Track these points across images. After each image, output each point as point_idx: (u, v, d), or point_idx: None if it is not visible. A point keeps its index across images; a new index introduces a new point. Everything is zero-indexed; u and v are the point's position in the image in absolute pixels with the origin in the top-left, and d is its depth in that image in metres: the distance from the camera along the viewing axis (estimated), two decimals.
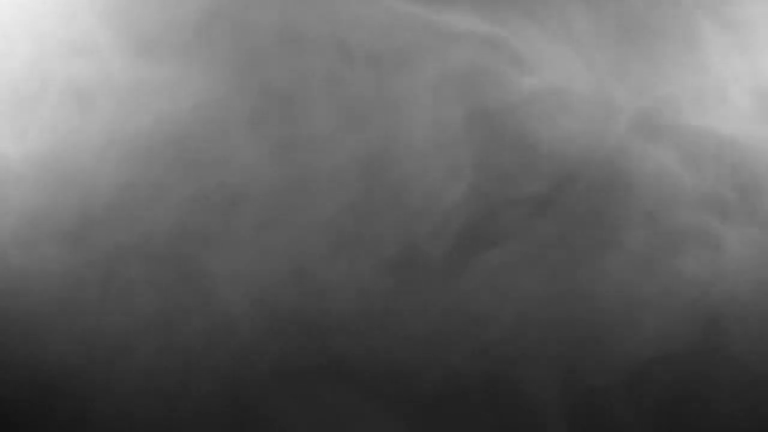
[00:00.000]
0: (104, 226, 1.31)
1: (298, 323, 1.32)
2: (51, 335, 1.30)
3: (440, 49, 1.36)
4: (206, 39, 1.35)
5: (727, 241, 1.34)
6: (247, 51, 1.35)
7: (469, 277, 1.33)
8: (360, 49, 1.35)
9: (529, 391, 1.32)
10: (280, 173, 1.34)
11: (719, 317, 1.32)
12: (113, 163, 1.32)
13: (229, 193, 1.33)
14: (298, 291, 1.32)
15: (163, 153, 1.33)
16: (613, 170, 1.35)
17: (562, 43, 1.36)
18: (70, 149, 1.32)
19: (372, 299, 1.32)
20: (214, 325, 1.31)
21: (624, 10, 1.37)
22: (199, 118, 1.34)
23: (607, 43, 1.37)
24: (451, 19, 1.36)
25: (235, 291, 1.31)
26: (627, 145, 1.35)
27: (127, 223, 1.32)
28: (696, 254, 1.33)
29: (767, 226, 1.34)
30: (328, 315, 1.32)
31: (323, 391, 1.31)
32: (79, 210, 1.31)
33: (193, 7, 1.35)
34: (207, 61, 1.35)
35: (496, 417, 1.32)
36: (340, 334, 1.31)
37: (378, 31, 1.36)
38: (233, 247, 1.32)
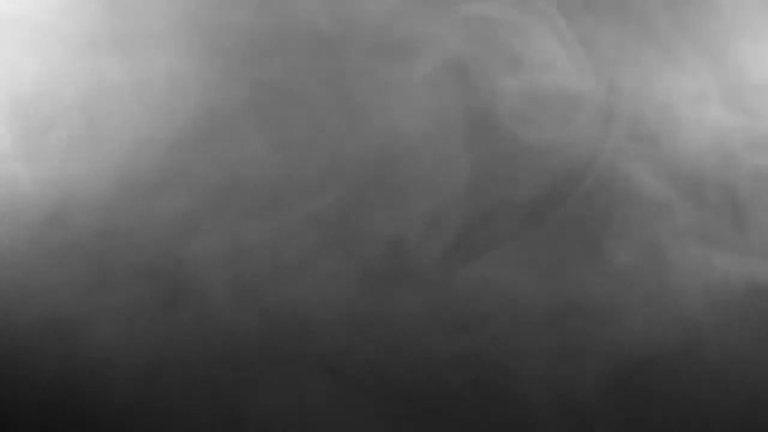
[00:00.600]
0: (103, 226, 1.31)
1: (284, 317, 1.32)
2: (47, 332, 1.30)
3: (435, 48, 1.36)
4: (204, 35, 1.35)
5: (714, 251, 1.35)
6: (245, 46, 1.35)
7: (459, 279, 1.33)
8: (355, 46, 1.35)
9: (520, 393, 1.32)
10: (275, 168, 1.33)
11: (700, 326, 1.33)
12: (114, 165, 1.32)
13: (225, 189, 1.33)
14: (285, 285, 1.32)
15: (165, 153, 1.33)
16: (607, 177, 1.35)
17: (560, 44, 1.37)
18: (75, 158, 1.31)
19: (359, 297, 1.32)
20: (198, 317, 1.31)
21: (623, 11, 1.38)
22: (198, 115, 1.34)
23: (606, 44, 1.37)
24: (446, 18, 1.36)
25: (221, 283, 1.31)
26: (623, 150, 1.36)
27: (127, 228, 1.31)
28: (684, 264, 1.34)
29: (752, 239, 1.35)
30: (315, 310, 1.32)
31: (308, 388, 1.31)
32: (80, 214, 1.31)
33: (192, 4, 1.35)
34: (205, 58, 1.35)
35: (485, 419, 1.32)
36: (327, 330, 1.31)
37: (374, 28, 1.36)
38: (223, 241, 1.32)
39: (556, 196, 1.34)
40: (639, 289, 1.33)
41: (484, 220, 1.34)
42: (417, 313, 1.32)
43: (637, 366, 1.32)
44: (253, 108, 1.34)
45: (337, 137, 1.34)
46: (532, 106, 1.35)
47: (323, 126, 1.35)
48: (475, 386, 1.32)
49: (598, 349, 1.33)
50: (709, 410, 1.33)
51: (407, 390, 1.32)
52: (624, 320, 1.33)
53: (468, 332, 1.32)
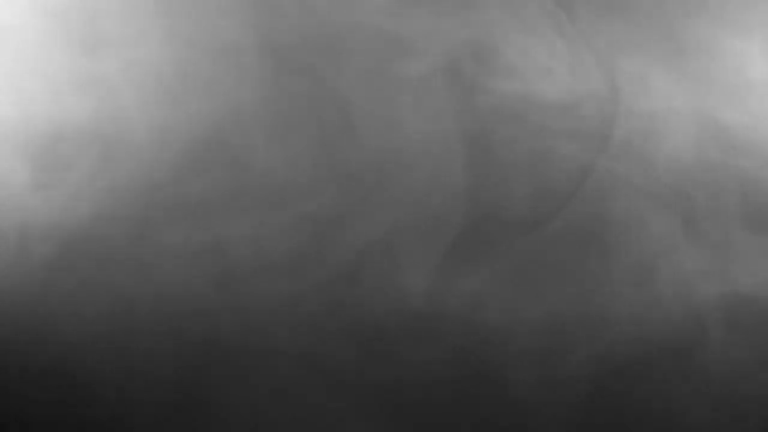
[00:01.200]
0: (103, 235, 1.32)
1: (270, 313, 1.32)
2: (56, 366, 1.31)
3: (432, 49, 1.36)
4: (203, 38, 1.35)
5: (704, 260, 1.34)
6: (242, 51, 1.35)
7: (451, 285, 1.33)
8: (351, 49, 1.35)
9: (510, 394, 1.32)
10: (270, 169, 1.34)
11: (688, 332, 1.34)
12: (125, 195, 1.33)
13: (223, 188, 1.34)
14: (271, 284, 1.32)
15: (174, 172, 1.33)
16: (606, 183, 1.35)
17: (560, 45, 1.36)
18: (86, 186, 1.32)
19: (347, 299, 1.32)
20: (181, 311, 1.31)
21: (624, 10, 1.37)
22: (199, 120, 1.34)
23: (607, 44, 1.37)
24: (438, 22, 1.36)
25: (207, 277, 1.32)
26: (622, 156, 1.35)
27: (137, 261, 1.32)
28: (676, 271, 1.33)
29: (738, 253, 1.35)
30: (301, 309, 1.32)
31: (294, 387, 1.31)
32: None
33: (191, 10, 1.35)
34: (204, 62, 1.35)
35: (475, 419, 1.32)
36: (314, 328, 1.31)
37: (371, 29, 1.36)
38: (212, 236, 1.32)
39: (553, 204, 1.34)
40: (630, 295, 1.33)
41: (478, 228, 1.33)
42: (405, 317, 1.32)
43: (626, 369, 1.33)
44: (252, 112, 1.34)
45: (332, 140, 1.34)
46: (531, 110, 1.35)
47: (318, 130, 1.35)
48: (462, 389, 1.32)
49: (588, 354, 1.33)
50: (697, 411, 1.33)
51: (393, 390, 1.32)
52: (616, 326, 1.33)
53: (457, 337, 1.32)
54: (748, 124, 1.36)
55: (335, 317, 1.31)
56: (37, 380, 1.31)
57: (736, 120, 1.36)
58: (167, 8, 1.35)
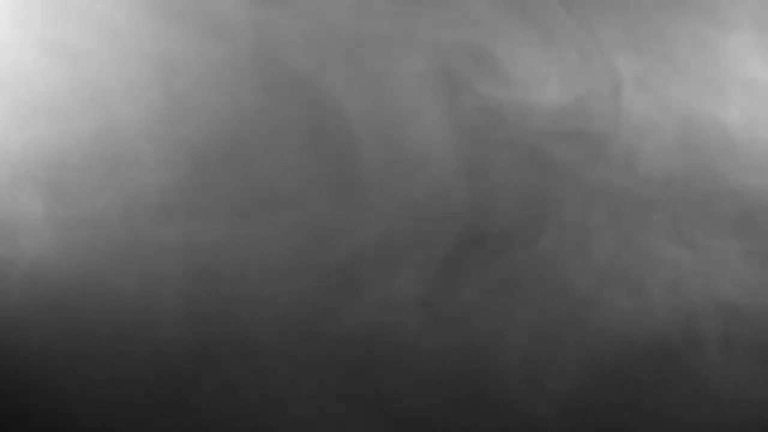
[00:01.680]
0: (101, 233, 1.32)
1: (265, 316, 1.32)
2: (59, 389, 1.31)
3: (429, 50, 1.36)
4: (200, 49, 1.35)
5: (693, 271, 1.35)
6: (238, 59, 1.35)
7: (446, 292, 1.33)
8: (342, 55, 1.35)
9: (505, 402, 1.32)
10: (265, 173, 1.34)
11: (674, 334, 1.34)
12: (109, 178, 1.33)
13: (221, 192, 1.34)
14: (267, 286, 1.32)
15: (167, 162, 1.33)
16: (606, 187, 1.35)
17: (547, 56, 1.36)
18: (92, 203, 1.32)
19: (343, 304, 1.32)
20: (178, 312, 1.31)
21: (614, 22, 1.37)
22: (199, 122, 1.34)
23: (609, 45, 1.37)
24: (432, 26, 1.36)
25: (201, 279, 1.31)
26: (615, 163, 1.35)
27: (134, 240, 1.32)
28: (656, 283, 1.34)
29: (730, 257, 1.35)
30: (297, 313, 1.32)
31: (287, 391, 1.31)
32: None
33: (198, 18, 1.35)
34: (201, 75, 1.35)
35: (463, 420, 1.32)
36: (310, 332, 1.31)
37: (363, 39, 1.36)
38: (211, 239, 1.32)
39: (549, 209, 1.34)
40: (623, 301, 1.33)
41: (475, 232, 1.33)
42: (400, 322, 1.32)
43: (618, 375, 1.33)
44: (249, 115, 1.34)
45: (329, 145, 1.34)
46: (530, 111, 1.35)
47: (315, 135, 1.35)
48: (456, 395, 1.32)
49: (581, 361, 1.33)
50: (689, 417, 1.33)
51: (386, 396, 1.32)
52: (607, 332, 1.34)
53: (452, 341, 1.32)
54: (746, 123, 1.36)
55: (329, 322, 1.32)
56: (37, 388, 1.31)
57: (734, 120, 1.36)
58: (165, 15, 1.35)
